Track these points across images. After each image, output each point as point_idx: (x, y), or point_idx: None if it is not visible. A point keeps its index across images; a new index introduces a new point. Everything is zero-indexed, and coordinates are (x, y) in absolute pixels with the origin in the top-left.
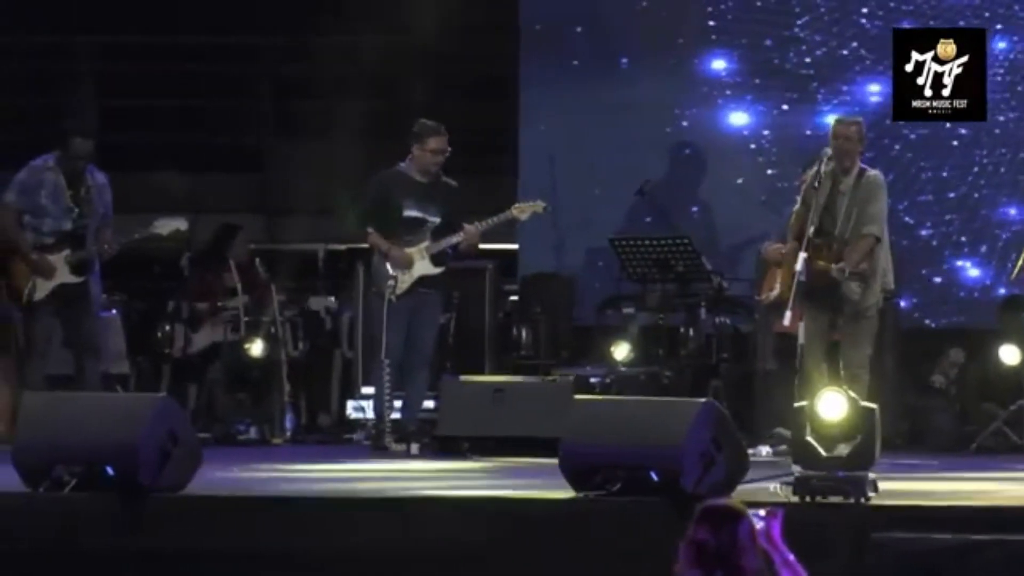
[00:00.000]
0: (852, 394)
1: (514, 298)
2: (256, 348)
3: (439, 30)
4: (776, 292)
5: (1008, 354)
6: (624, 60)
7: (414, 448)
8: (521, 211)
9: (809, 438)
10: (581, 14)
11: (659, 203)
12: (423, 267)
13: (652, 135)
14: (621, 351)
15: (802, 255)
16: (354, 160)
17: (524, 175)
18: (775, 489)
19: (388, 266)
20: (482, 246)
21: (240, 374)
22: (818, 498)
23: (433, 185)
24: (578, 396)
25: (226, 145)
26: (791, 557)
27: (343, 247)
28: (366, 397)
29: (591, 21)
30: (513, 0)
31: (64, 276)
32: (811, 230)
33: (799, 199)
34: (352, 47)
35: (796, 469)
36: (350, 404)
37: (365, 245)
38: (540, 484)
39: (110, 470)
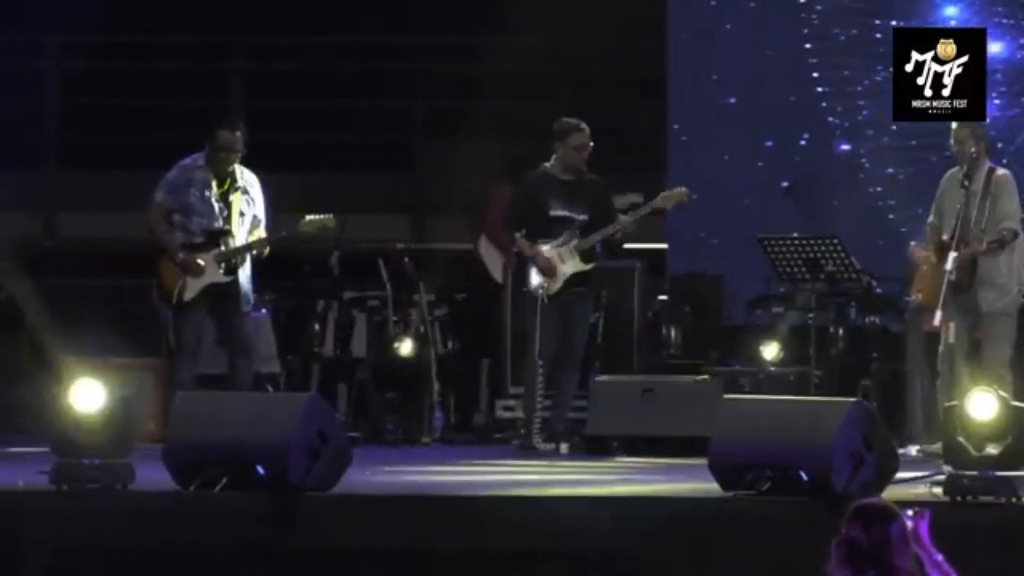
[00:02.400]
0: (1003, 394)
1: (663, 297)
2: (405, 347)
3: (590, 31)
4: (921, 295)
5: None
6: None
7: (563, 448)
8: (667, 199)
9: (960, 438)
10: (729, 14)
11: (805, 201)
12: (573, 265)
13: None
14: (770, 351)
15: (952, 254)
16: (505, 158)
17: (672, 175)
18: (926, 489)
19: (533, 272)
20: (630, 245)
21: (389, 373)
22: (969, 498)
23: (578, 183)
24: (727, 396)
25: (377, 144)
26: (939, 557)
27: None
28: (515, 397)
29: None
30: (662, 1)
31: (214, 275)
32: (949, 235)
33: (933, 207)
34: (506, 47)
35: (947, 469)
36: (499, 404)
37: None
38: (690, 484)
39: (260, 469)
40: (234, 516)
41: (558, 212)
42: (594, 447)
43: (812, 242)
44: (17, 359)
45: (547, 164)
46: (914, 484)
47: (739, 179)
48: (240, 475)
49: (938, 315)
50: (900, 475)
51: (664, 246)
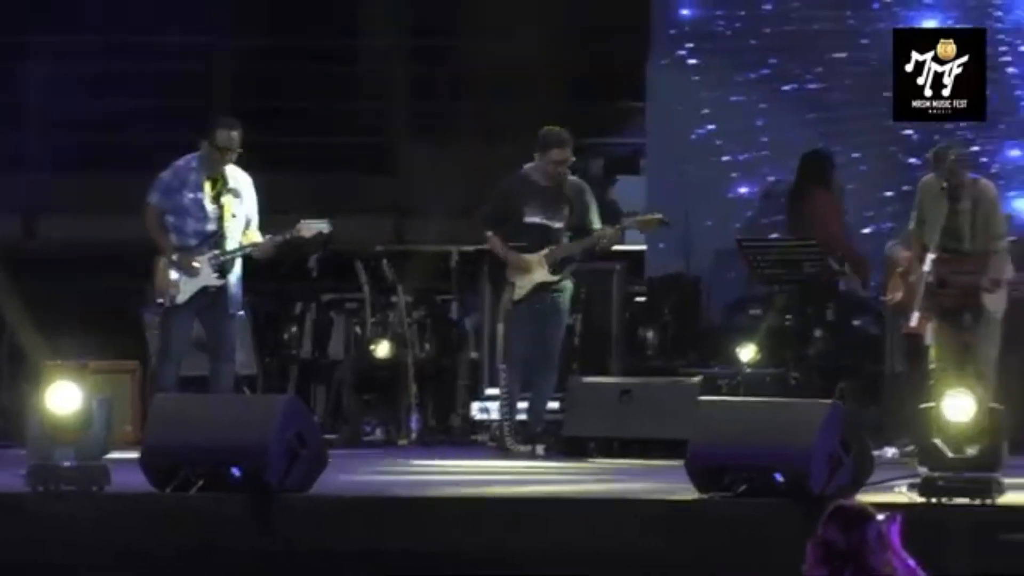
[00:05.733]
0: (979, 395)
1: (641, 299)
2: (383, 349)
3: (569, 31)
4: (900, 295)
5: None
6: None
7: (539, 449)
8: (643, 224)
9: (936, 439)
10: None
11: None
12: (541, 275)
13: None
14: (748, 352)
15: (930, 256)
16: (487, 162)
17: (651, 177)
18: (900, 490)
19: (508, 272)
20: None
21: (367, 376)
22: (944, 499)
23: (557, 189)
24: (705, 398)
25: (358, 146)
26: (911, 562)
27: (472, 249)
28: (491, 399)
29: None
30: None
31: (207, 279)
32: (933, 246)
33: (914, 215)
34: (486, 48)
35: (922, 470)
36: (475, 406)
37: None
38: (666, 485)
39: (236, 471)
40: (210, 518)
41: (533, 219)
42: (571, 448)
43: (791, 244)
44: None
45: (528, 167)
46: (890, 486)
47: (718, 181)
48: (217, 477)
49: (915, 316)
50: (876, 477)
51: (643, 247)
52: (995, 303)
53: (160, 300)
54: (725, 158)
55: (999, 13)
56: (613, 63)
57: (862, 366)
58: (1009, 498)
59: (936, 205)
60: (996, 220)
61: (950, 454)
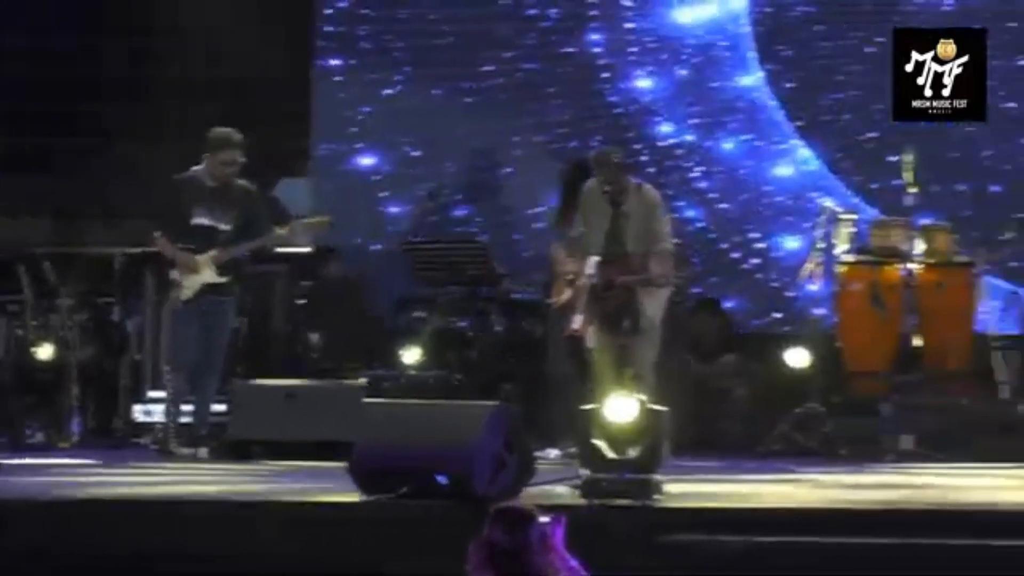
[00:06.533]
0: (640, 397)
1: (305, 302)
2: (44, 352)
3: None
4: (566, 297)
5: (795, 357)
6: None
7: (202, 452)
8: (309, 228)
9: (597, 441)
10: (374, 18)
11: (449, 207)
12: (208, 275)
13: (445, 138)
14: (412, 354)
15: (593, 259)
16: (151, 162)
17: (316, 179)
18: (563, 491)
19: (175, 272)
20: (276, 250)
21: (28, 378)
22: (605, 500)
23: (225, 191)
24: (369, 400)
25: (14, 146)
26: (573, 563)
27: (138, 251)
28: (154, 401)
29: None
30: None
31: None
32: (597, 251)
33: (579, 218)
34: (146, 48)
35: (584, 472)
36: (138, 408)
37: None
38: (331, 488)
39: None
40: None
41: (201, 220)
42: (235, 451)
43: (455, 246)
44: None
45: (196, 168)
46: (553, 487)
47: (386, 181)
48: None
49: (578, 319)
50: (539, 478)
51: (309, 250)
52: (654, 307)
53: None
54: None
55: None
56: (279, 68)
57: (525, 368)
58: (669, 499)
59: (598, 209)
60: (658, 223)
61: (611, 456)
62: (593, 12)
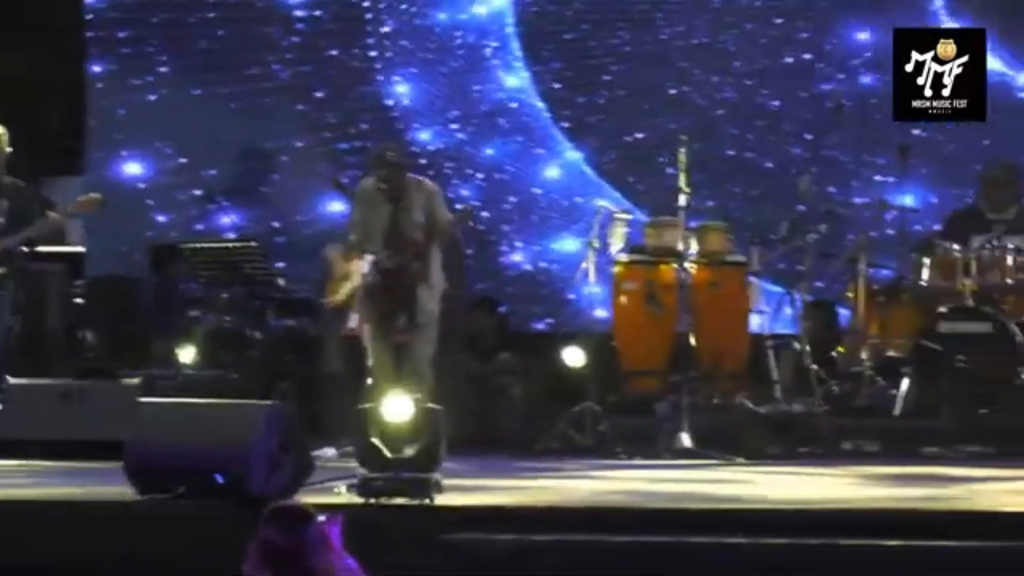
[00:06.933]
0: (417, 396)
1: (81, 300)
2: None
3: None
4: (342, 295)
5: (572, 356)
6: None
7: None
8: (81, 206)
9: (374, 440)
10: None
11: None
12: None
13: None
14: (187, 354)
15: (369, 258)
16: None
17: (90, 176)
18: (339, 491)
19: None
20: (50, 248)
21: None
22: (383, 499)
23: None
24: (144, 399)
25: None
26: (351, 562)
27: None
28: None
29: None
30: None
31: None
32: (376, 245)
33: (355, 220)
34: None
35: (361, 471)
36: None
37: None
38: (106, 487)
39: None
40: None
41: None
42: (8, 451)
43: (231, 246)
44: None
45: None
46: (329, 486)
47: (158, 183)
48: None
49: (354, 318)
50: (316, 477)
51: (83, 249)
52: (432, 302)
53: None
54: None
55: None
56: (51, 60)
57: (301, 367)
58: (447, 498)
59: (375, 207)
60: (440, 210)
61: (389, 455)
62: (363, 14)
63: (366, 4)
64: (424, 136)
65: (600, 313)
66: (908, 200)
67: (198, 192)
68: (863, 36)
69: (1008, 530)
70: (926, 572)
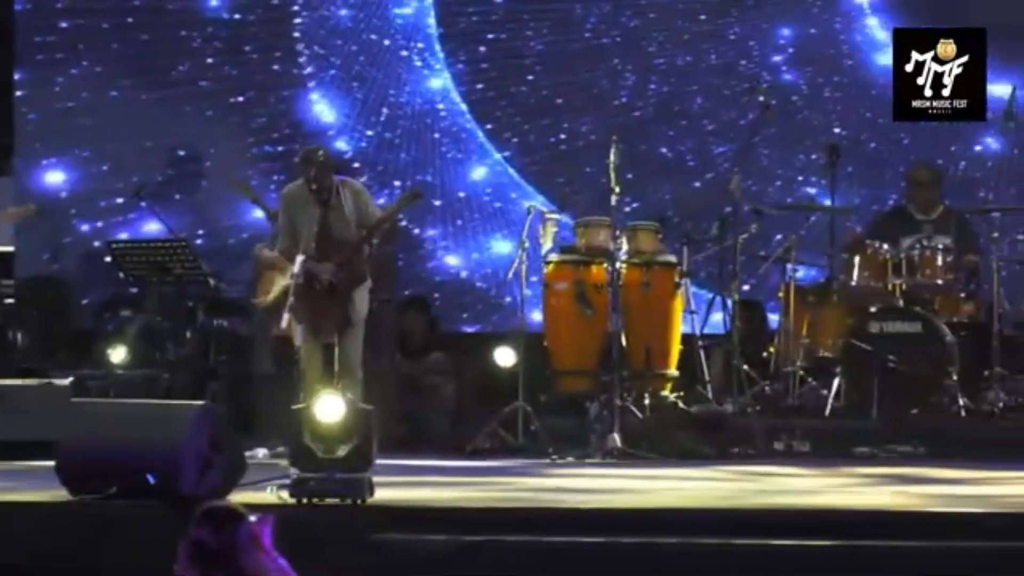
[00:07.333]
0: (349, 396)
1: (10, 300)
2: None
3: None
4: (273, 296)
5: (503, 356)
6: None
7: None
8: (11, 216)
9: (306, 440)
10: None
11: (158, 206)
12: None
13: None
14: (118, 354)
15: (299, 258)
16: None
17: (19, 178)
18: (272, 491)
19: None
20: None
21: None
22: (315, 500)
23: None
24: (75, 399)
25: None
26: (282, 562)
27: None
28: None
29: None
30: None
31: None
32: (305, 246)
33: (284, 226)
34: None
35: (293, 471)
36: None
37: None
38: (38, 489)
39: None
40: None
41: None
42: None
43: (161, 245)
44: None
45: None
46: (261, 487)
47: (87, 184)
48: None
49: (285, 318)
50: (248, 478)
51: (11, 249)
52: (360, 304)
53: None
54: (104, 167)
55: None
56: None
57: (233, 367)
58: (379, 497)
59: (304, 208)
60: (370, 207)
61: (321, 455)
62: (284, 17)
63: (290, 8)
64: (341, 145)
65: (536, 316)
66: (830, 201)
67: (120, 200)
68: (786, 32)
69: (936, 530)
70: (852, 572)
